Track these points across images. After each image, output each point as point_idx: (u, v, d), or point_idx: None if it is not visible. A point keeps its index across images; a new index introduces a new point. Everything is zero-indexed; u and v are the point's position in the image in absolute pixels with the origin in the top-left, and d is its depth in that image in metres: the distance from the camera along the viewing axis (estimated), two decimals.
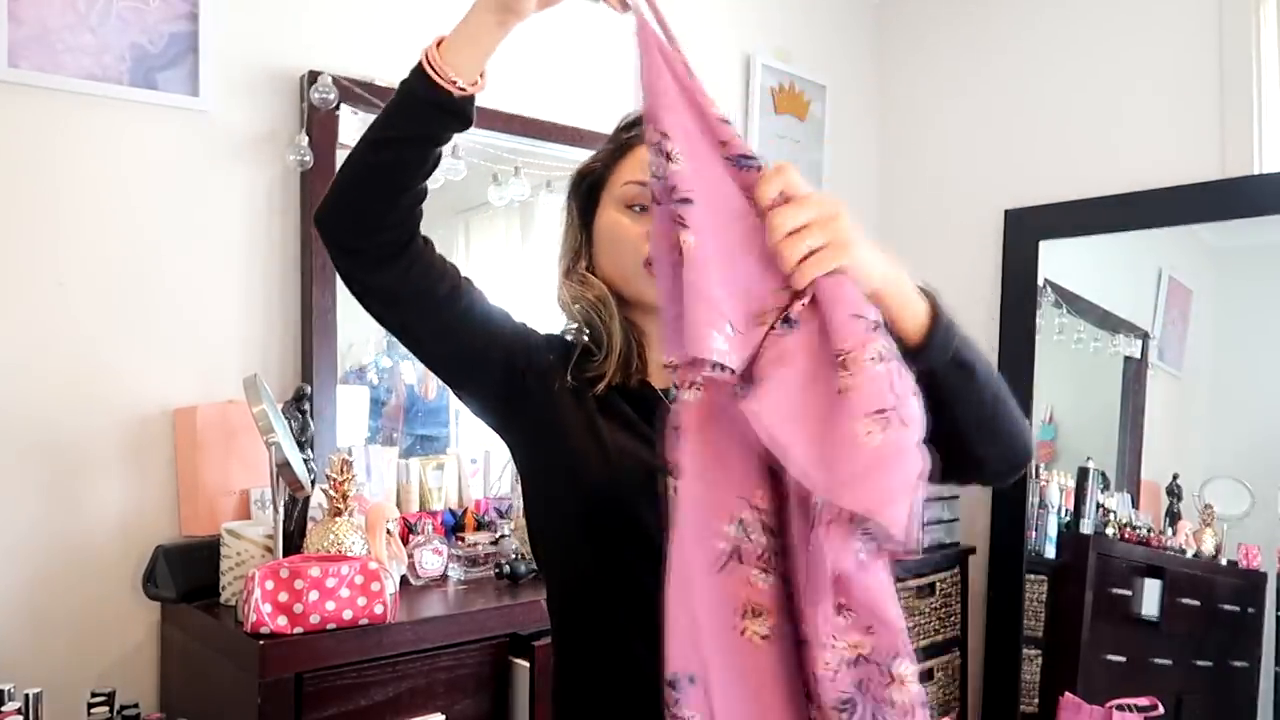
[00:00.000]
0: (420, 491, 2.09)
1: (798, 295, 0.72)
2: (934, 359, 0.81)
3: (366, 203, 0.91)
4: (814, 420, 0.68)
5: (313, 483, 1.75)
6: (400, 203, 0.91)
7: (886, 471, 0.66)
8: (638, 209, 0.99)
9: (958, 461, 0.82)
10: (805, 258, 0.72)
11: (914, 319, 0.81)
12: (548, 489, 1.03)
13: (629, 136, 1.03)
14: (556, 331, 1.09)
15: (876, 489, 0.66)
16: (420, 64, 0.88)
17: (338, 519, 1.66)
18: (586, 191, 1.06)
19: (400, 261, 0.93)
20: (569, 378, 1.01)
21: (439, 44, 0.88)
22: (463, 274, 0.99)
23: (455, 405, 2.22)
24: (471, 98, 0.89)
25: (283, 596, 1.45)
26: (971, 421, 0.86)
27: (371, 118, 2.00)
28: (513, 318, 1.05)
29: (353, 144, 0.94)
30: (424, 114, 0.88)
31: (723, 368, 0.70)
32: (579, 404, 0.99)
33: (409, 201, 0.92)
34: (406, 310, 0.96)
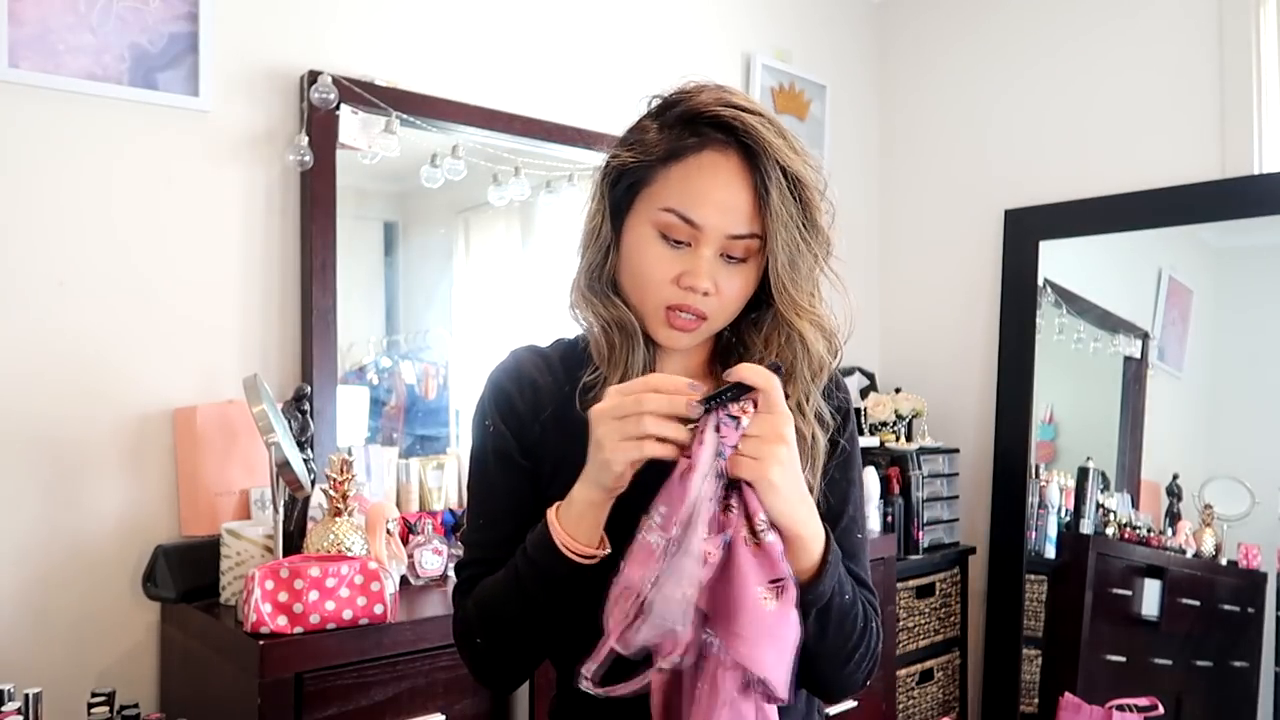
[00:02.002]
0: (420, 491, 2.09)
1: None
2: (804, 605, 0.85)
3: (529, 656, 0.98)
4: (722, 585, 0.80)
5: (313, 483, 1.75)
6: (554, 639, 0.96)
7: (776, 639, 0.78)
8: (673, 243, 0.91)
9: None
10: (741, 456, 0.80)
11: (802, 563, 0.85)
12: None
13: (687, 143, 0.91)
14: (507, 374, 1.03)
15: (767, 653, 0.78)
16: (553, 545, 0.88)
17: (338, 519, 1.66)
18: (625, 189, 0.95)
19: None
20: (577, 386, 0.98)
21: (556, 517, 0.89)
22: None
23: (455, 405, 2.22)
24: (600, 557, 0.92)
25: (282, 596, 1.45)
26: (807, 663, 0.89)
27: (371, 117, 2.02)
28: (517, 480, 1.01)
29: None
30: (564, 581, 0.90)
31: None
32: (567, 451, 0.95)
33: (556, 635, 0.96)
34: None
